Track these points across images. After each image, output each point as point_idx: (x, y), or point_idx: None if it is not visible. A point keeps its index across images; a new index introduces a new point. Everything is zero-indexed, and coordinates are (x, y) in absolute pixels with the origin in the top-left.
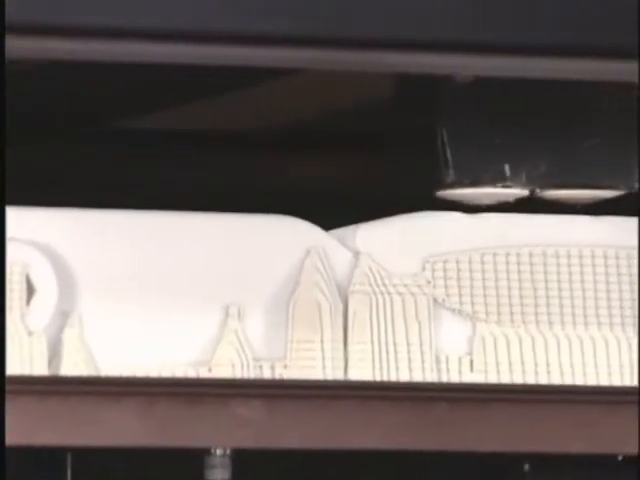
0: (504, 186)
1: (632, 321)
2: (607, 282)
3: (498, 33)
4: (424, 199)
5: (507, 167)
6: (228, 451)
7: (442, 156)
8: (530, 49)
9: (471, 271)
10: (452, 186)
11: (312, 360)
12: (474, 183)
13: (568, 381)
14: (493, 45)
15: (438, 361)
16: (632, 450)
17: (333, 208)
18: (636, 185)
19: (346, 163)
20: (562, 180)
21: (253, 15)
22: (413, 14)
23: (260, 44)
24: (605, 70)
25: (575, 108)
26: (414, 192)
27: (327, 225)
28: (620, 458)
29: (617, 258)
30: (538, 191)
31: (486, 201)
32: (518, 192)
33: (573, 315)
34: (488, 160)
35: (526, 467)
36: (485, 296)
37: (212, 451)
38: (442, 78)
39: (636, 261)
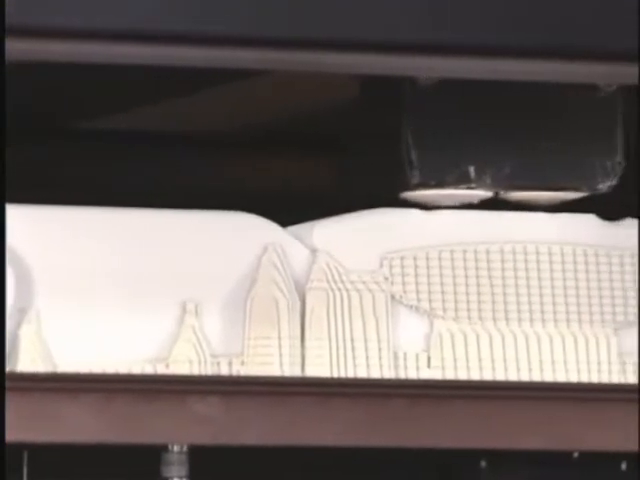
0: (468, 187)
1: (589, 318)
2: (564, 279)
3: (465, 34)
4: (390, 200)
5: (472, 169)
6: (185, 448)
7: (407, 157)
8: (494, 51)
9: (428, 268)
10: (417, 187)
11: (269, 356)
12: (439, 184)
13: (525, 377)
14: (458, 47)
15: (396, 357)
16: (590, 446)
17: (300, 209)
18: (599, 186)
19: (312, 164)
20: (527, 182)
21: (218, 16)
22: (378, 16)
23: (223, 45)
24: (570, 71)
25: (540, 110)
26: (380, 193)
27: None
28: (576, 455)
29: (574, 255)
30: (502, 193)
31: (450, 202)
32: (482, 194)
33: (530, 312)
34: (453, 162)
35: (482, 464)
36: (442, 293)
37: (169, 447)
38: (407, 79)
39: (593, 258)
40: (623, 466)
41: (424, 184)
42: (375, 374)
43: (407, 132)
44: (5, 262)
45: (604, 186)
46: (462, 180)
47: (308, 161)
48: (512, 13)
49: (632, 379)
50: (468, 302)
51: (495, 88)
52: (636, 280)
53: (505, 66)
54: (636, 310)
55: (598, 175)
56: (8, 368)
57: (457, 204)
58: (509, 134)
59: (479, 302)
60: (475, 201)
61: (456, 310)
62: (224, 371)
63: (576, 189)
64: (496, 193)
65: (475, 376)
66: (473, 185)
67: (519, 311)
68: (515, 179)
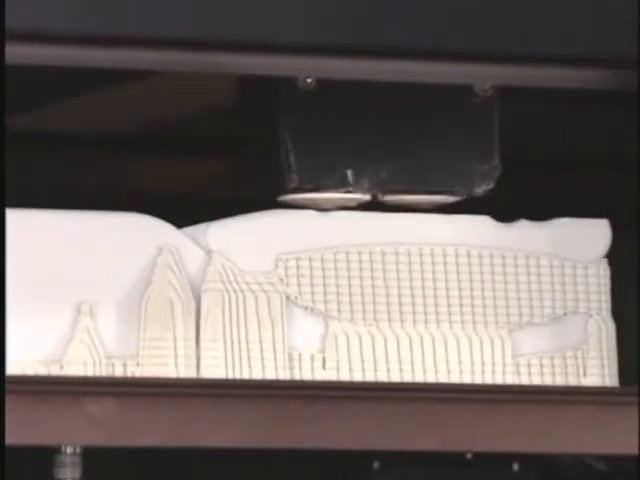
0: (346, 191)
1: (483, 319)
2: (458, 280)
3: (341, 35)
4: (273, 203)
5: (349, 172)
6: (78, 449)
7: (285, 161)
8: (374, 51)
9: (324, 269)
10: (295, 191)
11: (165, 358)
12: (316, 188)
13: (420, 379)
14: (340, 48)
15: (291, 359)
16: (483, 447)
17: (187, 209)
18: (476, 190)
19: (204, 165)
20: (403, 186)
21: (103, 16)
22: (259, 15)
23: (108, 45)
24: (448, 73)
25: (417, 113)
26: (263, 195)
27: (182, 227)
28: (469, 456)
29: (469, 256)
30: (380, 196)
31: (328, 206)
32: (360, 197)
33: (425, 313)
34: (330, 165)
35: (375, 465)
36: (338, 294)
37: (62, 449)
38: (286, 81)
39: (488, 260)
40: (515, 467)
41: (302, 188)
42: (270, 375)
43: (285, 135)
44: (5, 261)
45: (480, 190)
46: (340, 184)
47: (201, 162)
48: (402, 13)
49: (526, 380)
50: (363, 304)
51: (372, 92)
52: (529, 282)
53: (384, 67)
54: (535, 311)
55: (475, 179)
56: None
57: (335, 208)
58: (387, 137)
59: (374, 304)
60: (353, 205)
61: (351, 312)
62: (119, 372)
63: (453, 193)
64: (374, 196)
65: (370, 377)
66: (351, 189)
67: (414, 312)
68: (392, 183)
